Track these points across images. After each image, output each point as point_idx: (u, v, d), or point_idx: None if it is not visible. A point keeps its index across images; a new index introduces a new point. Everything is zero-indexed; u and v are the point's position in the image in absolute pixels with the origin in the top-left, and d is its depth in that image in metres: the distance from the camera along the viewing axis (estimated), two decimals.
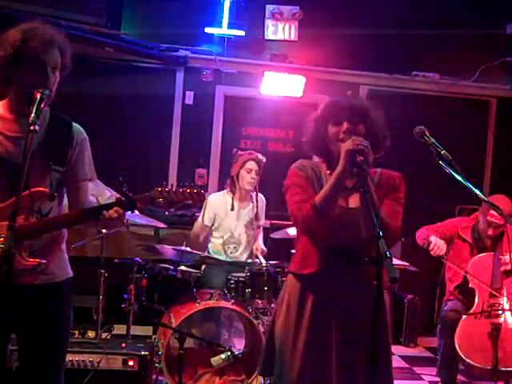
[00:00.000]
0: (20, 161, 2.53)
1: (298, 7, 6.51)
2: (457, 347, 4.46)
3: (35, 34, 2.56)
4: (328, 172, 2.76)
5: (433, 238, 4.75)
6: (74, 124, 2.76)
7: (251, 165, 4.96)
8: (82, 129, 2.79)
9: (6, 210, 2.41)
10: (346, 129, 2.65)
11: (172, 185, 2.56)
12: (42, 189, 2.61)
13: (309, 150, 2.86)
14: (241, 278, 4.52)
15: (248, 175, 4.94)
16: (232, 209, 4.96)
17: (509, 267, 4.61)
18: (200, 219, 5.01)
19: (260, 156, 5.02)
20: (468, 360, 4.41)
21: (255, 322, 4.35)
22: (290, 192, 2.75)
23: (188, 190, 2.53)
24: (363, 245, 2.64)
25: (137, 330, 4.80)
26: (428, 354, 6.08)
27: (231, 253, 5.00)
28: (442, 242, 4.75)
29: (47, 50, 2.56)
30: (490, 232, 4.78)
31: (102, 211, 2.56)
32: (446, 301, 4.94)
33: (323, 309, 2.68)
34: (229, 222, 5.00)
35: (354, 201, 2.71)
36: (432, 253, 4.71)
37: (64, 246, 2.80)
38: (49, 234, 2.64)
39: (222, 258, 4.95)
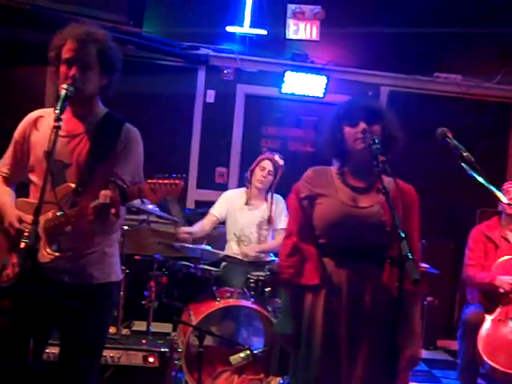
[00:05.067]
0: (63, 158, 2.61)
1: (319, 6, 6.49)
2: (480, 350, 4.43)
3: (72, 34, 2.65)
4: (338, 178, 2.77)
5: (500, 282, 4.64)
6: (127, 125, 2.81)
7: (266, 164, 5.04)
8: (134, 131, 2.82)
9: (47, 205, 2.49)
10: (363, 129, 2.65)
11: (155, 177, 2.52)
12: (68, 185, 2.65)
13: (325, 152, 2.87)
14: (260, 277, 4.54)
15: (260, 173, 5.03)
16: (247, 203, 4.99)
17: None
18: (211, 210, 5.06)
19: (277, 157, 5.05)
20: (491, 363, 4.38)
21: (274, 321, 4.35)
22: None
23: (169, 182, 2.48)
24: (375, 245, 2.64)
25: (156, 327, 4.82)
26: (448, 357, 6.06)
27: (243, 250, 5.00)
28: (507, 277, 4.64)
29: (78, 48, 2.63)
30: None
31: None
32: (467, 303, 4.91)
33: (337, 308, 2.66)
34: (240, 219, 5.03)
35: (364, 200, 2.71)
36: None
37: (111, 250, 2.83)
38: (81, 235, 2.67)
39: (239, 255, 4.97)
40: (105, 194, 2.48)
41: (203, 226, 5.06)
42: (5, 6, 5.23)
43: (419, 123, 5.53)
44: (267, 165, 5.04)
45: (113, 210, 2.50)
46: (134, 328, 4.90)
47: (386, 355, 2.46)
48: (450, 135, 2.79)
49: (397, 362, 2.46)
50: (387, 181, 2.56)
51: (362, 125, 2.65)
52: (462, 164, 2.70)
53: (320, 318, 2.66)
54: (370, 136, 2.62)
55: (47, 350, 3.54)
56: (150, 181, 2.47)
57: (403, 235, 2.30)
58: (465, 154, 2.71)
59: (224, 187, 6.31)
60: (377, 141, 2.59)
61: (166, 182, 2.46)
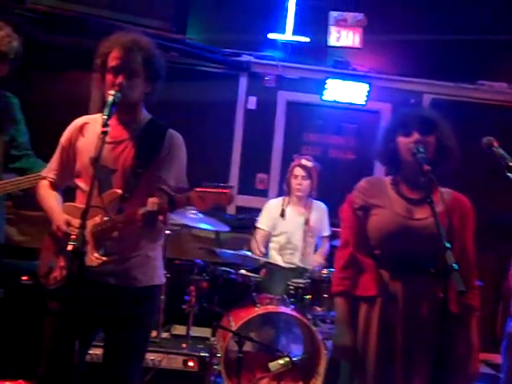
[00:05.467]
0: (109, 164, 2.65)
1: (362, 14, 6.47)
2: None
3: (118, 42, 2.69)
4: (393, 189, 2.75)
5: None
6: (170, 131, 2.85)
7: (297, 171, 5.08)
8: (178, 137, 2.86)
9: (94, 210, 2.53)
10: (416, 139, 2.63)
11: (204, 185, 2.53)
12: (114, 190, 2.69)
13: (378, 160, 2.85)
14: (301, 285, 4.54)
15: (295, 181, 5.07)
16: (282, 215, 5.00)
17: None
18: (259, 225, 5.08)
19: (304, 161, 5.07)
20: None
21: (314, 328, 4.34)
22: (341, 224, 2.84)
23: (217, 190, 2.49)
24: (429, 256, 2.62)
25: (195, 331, 4.85)
26: (490, 370, 5.94)
27: (288, 258, 5.02)
28: None
29: (124, 56, 2.67)
30: None
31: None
32: (511, 316, 4.81)
33: (392, 320, 2.64)
34: (286, 228, 5.04)
35: (419, 212, 2.68)
36: None
37: (154, 254, 2.86)
38: (126, 239, 2.71)
39: (279, 263, 4.97)
40: (153, 202, 2.52)
41: (259, 245, 5.08)
42: (53, 14, 5.33)
43: (462, 132, 5.46)
44: (298, 171, 5.08)
45: (160, 217, 2.55)
46: (174, 332, 4.94)
47: (442, 369, 2.44)
48: (495, 144, 2.75)
49: (453, 375, 2.44)
50: (444, 192, 2.53)
51: (416, 135, 2.63)
52: (509, 174, 2.67)
53: (375, 330, 2.65)
54: (421, 146, 2.60)
55: (91, 352, 3.59)
56: (198, 189, 2.48)
57: (449, 245, 2.27)
58: (511, 164, 2.68)
59: (264, 193, 6.33)
60: (421, 149, 2.57)
61: (214, 190, 2.47)
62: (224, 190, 2.47)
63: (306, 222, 5.02)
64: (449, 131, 2.71)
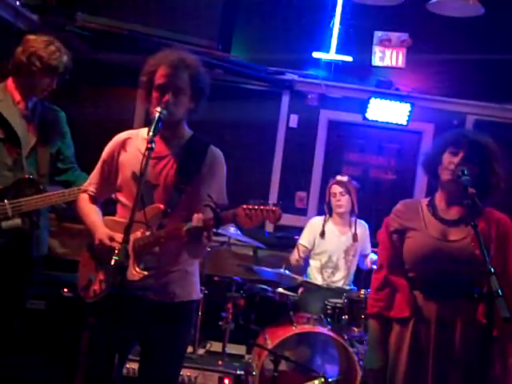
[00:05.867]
0: (151, 179, 2.68)
1: (407, 34, 6.45)
2: None
3: (164, 60, 2.73)
4: (428, 211, 2.74)
5: None
6: (212, 147, 2.87)
7: (334, 189, 5.11)
8: (219, 153, 2.88)
9: (135, 225, 2.54)
10: (458, 163, 2.62)
11: (251, 202, 2.53)
12: (157, 205, 2.72)
13: (423, 168, 2.85)
14: (338, 304, 4.51)
15: (334, 199, 5.09)
16: (322, 235, 4.99)
17: None
18: (300, 241, 5.07)
19: (339, 177, 5.10)
20: None
21: (350, 349, 4.31)
22: (378, 247, 2.89)
23: (265, 208, 2.49)
24: (466, 279, 2.59)
25: (231, 349, 4.85)
26: None
27: (328, 277, 5.01)
28: None
29: (171, 74, 2.71)
30: None
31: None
32: None
33: (424, 342, 2.62)
34: (327, 246, 5.02)
35: (455, 234, 2.66)
36: None
37: (192, 269, 2.88)
38: (166, 254, 2.73)
39: (319, 281, 4.95)
40: (198, 217, 2.54)
41: (297, 259, 5.08)
42: (102, 32, 5.44)
43: (507, 154, 5.39)
44: (335, 188, 5.10)
45: (205, 234, 2.55)
46: (210, 348, 4.95)
47: None
48: None
49: None
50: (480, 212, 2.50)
51: (460, 157, 2.63)
52: None
53: (405, 351, 2.63)
54: (466, 168, 2.58)
55: (127, 365, 3.62)
56: (244, 206, 2.49)
57: (493, 270, 2.24)
58: None
59: (304, 212, 6.31)
60: (466, 172, 2.55)
61: (262, 208, 2.47)
62: (272, 208, 2.47)
63: (354, 239, 5.00)
64: (499, 166, 2.68)
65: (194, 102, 2.80)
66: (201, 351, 4.63)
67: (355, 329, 4.43)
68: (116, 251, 2.45)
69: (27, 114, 3.54)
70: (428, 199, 2.81)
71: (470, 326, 2.54)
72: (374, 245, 5.06)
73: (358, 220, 5.13)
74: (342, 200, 5.05)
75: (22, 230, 3.43)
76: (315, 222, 5.17)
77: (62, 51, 3.49)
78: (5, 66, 3.60)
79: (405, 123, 6.37)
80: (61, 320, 4.20)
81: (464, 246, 2.58)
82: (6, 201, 3.38)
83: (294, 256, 5.08)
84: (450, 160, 2.65)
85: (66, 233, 5.58)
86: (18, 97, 3.52)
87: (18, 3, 5.18)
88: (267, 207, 2.47)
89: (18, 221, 3.40)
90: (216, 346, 4.95)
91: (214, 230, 2.62)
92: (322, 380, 4.15)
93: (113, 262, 2.35)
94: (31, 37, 3.49)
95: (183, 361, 3.00)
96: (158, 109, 2.65)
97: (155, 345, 2.80)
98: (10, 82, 3.55)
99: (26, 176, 3.46)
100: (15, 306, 3.64)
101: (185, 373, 4.01)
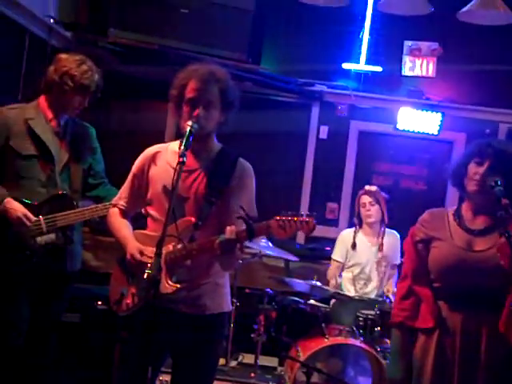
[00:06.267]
0: (181, 193, 2.71)
1: (437, 43, 6.42)
2: None
3: (194, 74, 2.76)
4: (454, 220, 2.72)
5: None
6: (241, 160, 2.88)
7: (363, 199, 5.08)
8: (248, 166, 2.89)
9: (166, 238, 2.55)
10: (483, 173, 2.60)
11: (283, 214, 2.51)
12: (188, 218, 2.74)
13: (450, 180, 2.83)
14: (370, 316, 4.48)
15: (363, 209, 5.07)
16: (353, 247, 4.98)
17: None
18: (333, 257, 5.07)
19: (368, 187, 5.08)
20: None
21: (383, 362, 4.28)
22: (404, 256, 2.89)
23: (299, 219, 2.47)
24: (491, 290, 2.56)
25: (263, 360, 4.85)
26: None
27: (360, 288, 4.99)
28: None
29: (202, 88, 2.73)
30: None
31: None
32: None
33: (449, 353, 2.60)
34: (359, 258, 5.01)
35: (480, 244, 2.64)
36: None
37: (223, 281, 2.89)
38: (197, 267, 2.75)
39: (351, 293, 4.94)
40: (231, 230, 2.54)
41: (334, 277, 5.07)
42: (133, 47, 5.52)
43: None
44: (364, 199, 5.08)
45: (238, 246, 2.57)
46: (242, 360, 4.95)
47: None
48: None
49: None
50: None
51: (485, 168, 2.61)
52: None
53: (431, 362, 2.61)
54: (492, 179, 2.56)
55: (160, 378, 3.65)
56: (278, 217, 2.48)
57: None
58: None
59: (335, 223, 6.30)
60: (499, 182, 2.53)
61: (296, 219, 2.46)
62: (306, 219, 2.46)
63: (380, 249, 4.98)
64: None
65: (224, 115, 2.81)
66: (233, 363, 4.65)
67: (388, 341, 4.39)
68: (148, 265, 2.48)
69: (59, 132, 3.61)
70: (454, 208, 2.79)
71: (496, 336, 2.52)
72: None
73: (389, 230, 5.10)
74: (371, 210, 5.03)
75: (57, 245, 3.49)
76: (346, 235, 5.15)
77: (93, 70, 3.55)
78: (38, 83, 3.68)
79: (436, 133, 6.33)
80: (95, 332, 4.25)
81: (490, 257, 2.56)
82: (40, 216, 3.45)
83: (331, 275, 5.07)
84: (475, 170, 2.63)
85: (100, 246, 5.65)
86: (50, 115, 3.59)
87: (51, 21, 5.29)
88: (301, 218, 2.46)
89: (52, 236, 3.46)
90: (248, 358, 4.96)
91: (247, 243, 2.63)
92: None
93: (146, 276, 2.38)
94: (63, 56, 3.56)
95: (215, 373, 3.00)
96: (189, 123, 2.67)
97: (187, 357, 2.82)
98: (42, 100, 3.62)
99: (60, 192, 3.52)
100: (51, 320, 3.70)
101: None
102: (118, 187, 3.07)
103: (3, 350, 3.50)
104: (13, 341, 3.48)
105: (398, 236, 5.12)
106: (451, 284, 2.64)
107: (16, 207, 3.39)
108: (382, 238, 5.02)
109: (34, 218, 3.42)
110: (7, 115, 3.52)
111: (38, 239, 3.42)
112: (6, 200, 3.39)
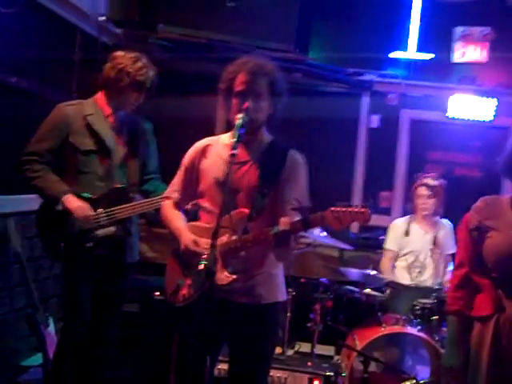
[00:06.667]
0: (233, 185, 2.73)
1: (489, 28, 6.29)
2: None
3: (243, 67, 2.79)
4: (508, 206, 2.67)
5: None
6: (292, 151, 2.89)
7: (421, 190, 5.01)
8: (299, 157, 2.90)
9: (220, 229, 2.58)
10: None
11: (338, 205, 2.50)
12: (242, 210, 2.77)
13: (502, 173, 2.78)
14: (427, 305, 4.45)
15: (419, 201, 5.01)
16: (407, 234, 4.93)
17: None
18: (386, 246, 5.05)
19: (429, 180, 4.96)
20: None
21: (441, 350, 4.24)
22: (458, 244, 2.85)
23: (354, 210, 2.45)
24: None
25: (319, 349, 4.87)
26: None
27: (416, 277, 4.96)
28: None
29: (250, 81, 2.76)
30: None
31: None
32: None
33: (506, 343, 2.56)
34: (413, 246, 4.97)
35: None
36: None
37: (276, 271, 2.91)
38: (252, 257, 2.77)
39: (407, 281, 4.91)
40: (285, 221, 2.55)
41: (388, 267, 5.06)
42: (182, 41, 5.58)
43: None
44: (423, 191, 5.00)
45: (293, 237, 2.58)
46: (299, 349, 4.98)
47: None
48: None
49: None
50: None
51: None
52: None
53: (487, 351, 2.57)
54: None
55: (218, 366, 3.70)
56: (332, 209, 2.47)
57: None
58: None
59: (388, 211, 6.26)
60: None
61: (350, 210, 2.44)
62: (361, 210, 2.44)
63: (434, 241, 4.94)
64: None
65: (273, 107, 2.84)
66: (290, 352, 4.68)
67: (446, 329, 4.34)
68: (204, 256, 2.52)
69: (117, 127, 3.69)
70: (510, 196, 2.73)
71: None
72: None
73: (443, 220, 5.05)
74: (428, 203, 4.97)
75: (117, 237, 3.57)
76: (397, 224, 5.12)
77: (148, 67, 3.62)
78: (94, 79, 3.76)
79: (491, 119, 6.20)
80: (153, 322, 4.33)
81: None
82: (100, 210, 3.53)
83: (385, 267, 5.05)
84: None
85: (156, 237, 5.76)
86: (108, 110, 3.67)
87: (102, 18, 5.39)
88: (356, 209, 2.44)
89: (112, 229, 3.54)
90: (305, 347, 4.98)
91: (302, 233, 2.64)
92: (414, 381, 4.11)
93: (202, 267, 2.42)
94: (119, 53, 3.64)
95: (271, 361, 3.03)
96: (240, 115, 2.70)
97: (243, 346, 2.85)
98: (99, 96, 3.70)
99: (118, 185, 3.60)
100: (113, 310, 3.79)
101: (274, 374, 4.05)
102: (170, 181, 3.12)
103: (68, 338, 3.60)
104: (76, 329, 3.57)
105: (451, 225, 5.07)
106: (506, 274, 2.58)
107: (77, 203, 3.47)
108: (437, 230, 4.97)
109: (93, 213, 3.51)
110: (67, 113, 3.60)
111: (99, 232, 3.51)
112: (66, 196, 3.48)
